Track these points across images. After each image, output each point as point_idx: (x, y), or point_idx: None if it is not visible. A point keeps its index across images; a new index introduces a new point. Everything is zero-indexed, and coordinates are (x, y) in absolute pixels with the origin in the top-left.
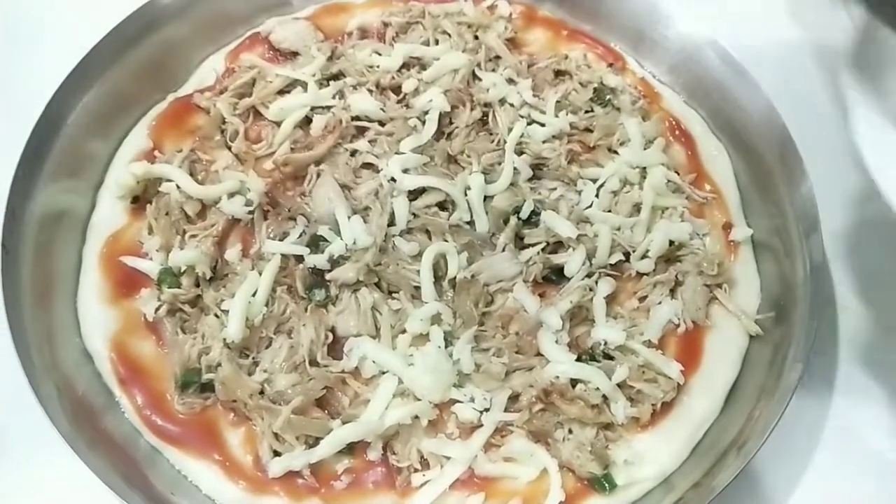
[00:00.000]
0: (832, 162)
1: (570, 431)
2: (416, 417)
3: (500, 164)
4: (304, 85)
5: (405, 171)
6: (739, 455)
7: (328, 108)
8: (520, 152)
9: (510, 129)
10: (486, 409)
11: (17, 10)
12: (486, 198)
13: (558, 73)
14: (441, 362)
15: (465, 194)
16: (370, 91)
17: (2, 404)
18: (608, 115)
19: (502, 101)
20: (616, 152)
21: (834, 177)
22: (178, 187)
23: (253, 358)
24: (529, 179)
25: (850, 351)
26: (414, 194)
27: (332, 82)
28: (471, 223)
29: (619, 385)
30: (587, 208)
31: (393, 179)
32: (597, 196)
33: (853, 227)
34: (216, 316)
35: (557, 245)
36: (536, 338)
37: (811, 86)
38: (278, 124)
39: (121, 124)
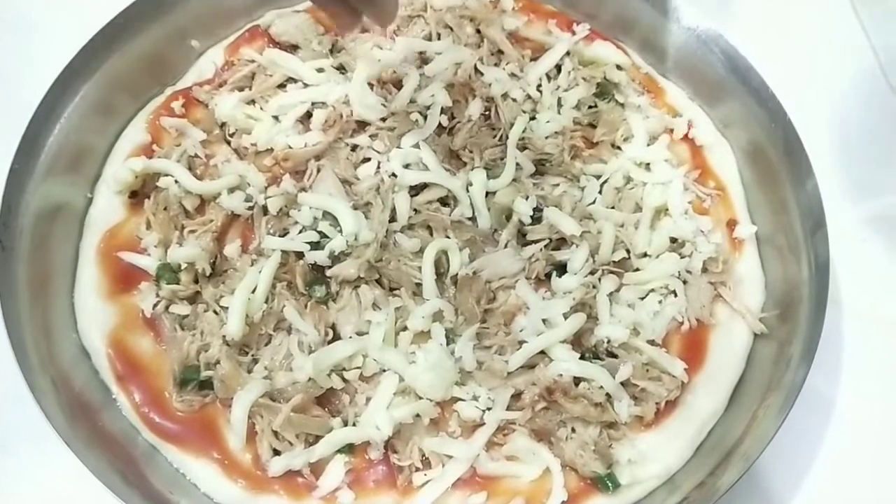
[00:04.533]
0: (838, 158)
1: (573, 430)
2: (418, 416)
3: (502, 159)
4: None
5: (406, 166)
6: (744, 455)
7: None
8: (522, 148)
9: (512, 125)
10: (489, 408)
11: (15, 1)
12: (488, 194)
13: (560, 68)
14: (443, 360)
15: (467, 190)
16: (371, 85)
17: None
18: (612, 110)
19: (504, 96)
20: (619, 148)
21: (840, 173)
22: (176, 182)
23: (252, 355)
24: (532, 175)
25: (856, 349)
26: (415, 190)
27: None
28: (473, 219)
29: (622, 383)
30: (590, 205)
31: (394, 175)
32: (600, 192)
33: (859, 225)
34: (215, 312)
35: (560, 242)
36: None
37: (817, 81)
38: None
39: (118, 117)
